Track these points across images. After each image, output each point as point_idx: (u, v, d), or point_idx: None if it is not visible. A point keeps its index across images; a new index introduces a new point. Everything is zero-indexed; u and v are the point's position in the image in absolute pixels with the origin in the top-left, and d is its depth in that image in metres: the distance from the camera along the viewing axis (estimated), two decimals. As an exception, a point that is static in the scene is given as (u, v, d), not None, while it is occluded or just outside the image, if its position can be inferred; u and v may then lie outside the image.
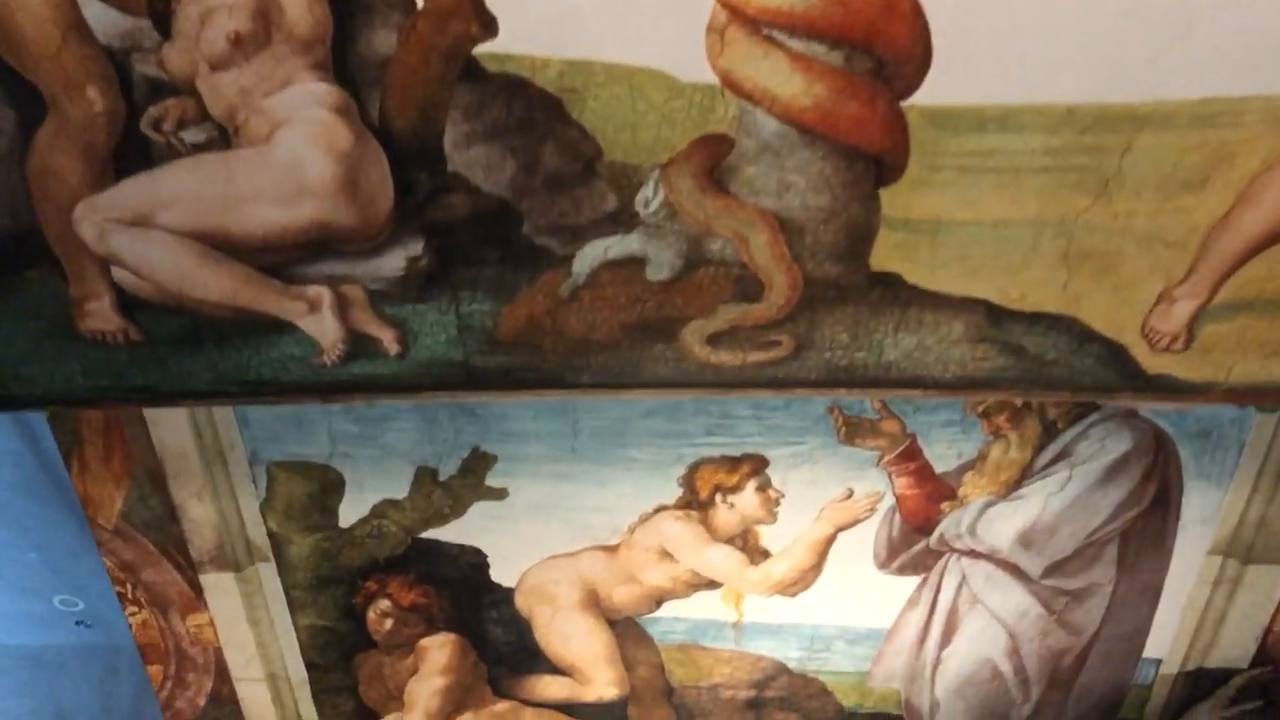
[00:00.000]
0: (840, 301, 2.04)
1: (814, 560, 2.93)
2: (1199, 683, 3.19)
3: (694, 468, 2.79)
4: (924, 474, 2.80)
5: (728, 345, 2.11)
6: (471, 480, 2.81)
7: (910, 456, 2.76)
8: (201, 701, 3.24)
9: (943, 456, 2.77)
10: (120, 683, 4.30)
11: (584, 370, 2.16)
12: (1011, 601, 3.00)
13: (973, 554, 2.93)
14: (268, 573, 2.98)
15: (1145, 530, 2.88)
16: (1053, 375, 2.15)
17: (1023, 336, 2.09)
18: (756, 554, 2.93)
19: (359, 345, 2.13)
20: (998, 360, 2.14)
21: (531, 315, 2.06)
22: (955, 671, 3.15)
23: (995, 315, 2.07)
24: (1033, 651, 3.10)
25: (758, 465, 2.78)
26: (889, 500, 2.84)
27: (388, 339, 2.11)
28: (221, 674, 3.17)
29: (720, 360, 2.13)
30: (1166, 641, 3.09)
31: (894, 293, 2.03)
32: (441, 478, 2.81)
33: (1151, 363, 2.13)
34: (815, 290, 2.03)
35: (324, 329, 2.08)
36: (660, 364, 2.14)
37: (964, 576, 2.98)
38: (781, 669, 3.16)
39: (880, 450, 2.76)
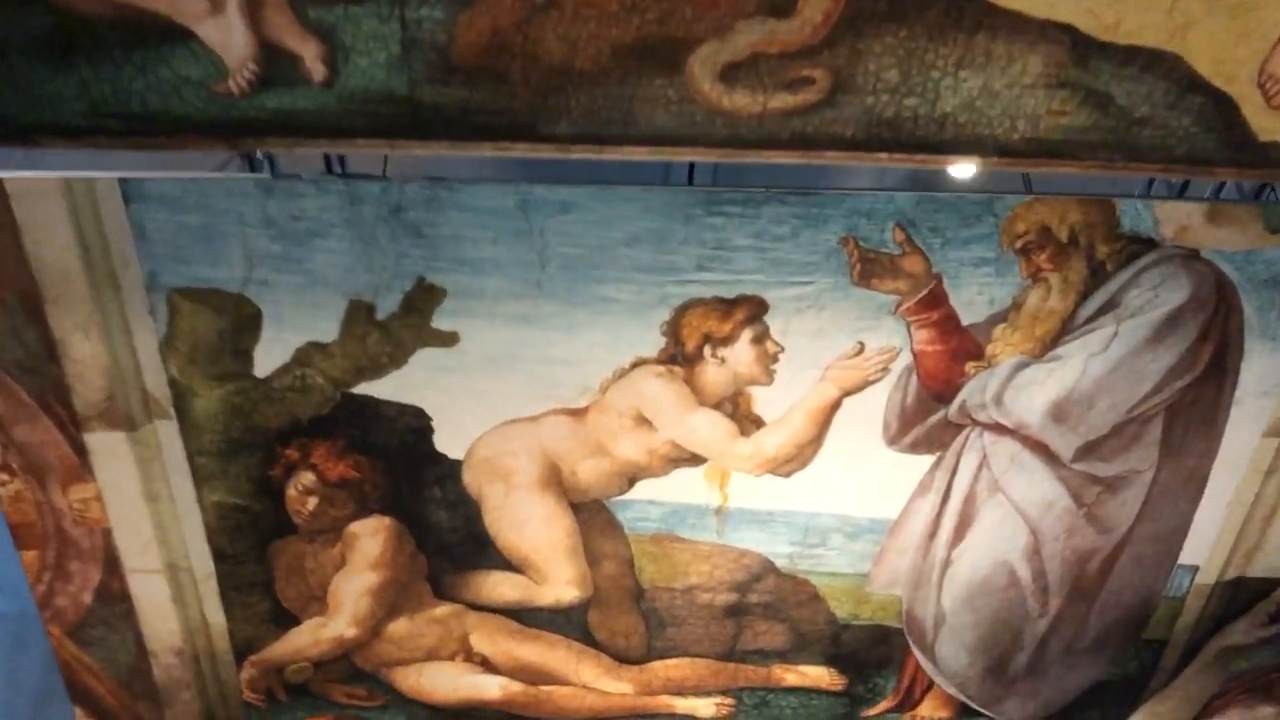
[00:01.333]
0: (892, 21, 1.57)
1: (814, 432, 2.44)
2: (1237, 595, 2.75)
3: (680, 312, 2.30)
4: (948, 326, 2.33)
5: (746, 83, 1.63)
6: (415, 320, 2.30)
7: (934, 303, 2.29)
8: (87, 598, 2.67)
9: (972, 304, 2.31)
10: (28, 655, 3.70)
11: (562, 115, 1.66)
12: (1037, 490, 2.54)
13: (997, 429, 2.46)
14: (168, 433, 2.43)
15: (1195, 404, 2.44)
16: (1141, 140, 1.69)
17: (1111, 81, 1.64)
18: (748, 422, 2.44)
19: (275, 67, 1.63)
20: (1078, 116, 1.68)
21: (497, 28, 1.57)
22: (967, 576, 2.67)
23: (1081, 49, 1.61)
24: (1055, 553, 2.63)
25: (755, 310, 2.29)
26: (905, 359, 2.37)
27: (311, 56, 1.60)
28: (111, 564, 2.62)
29: (735, 105, 1.65)
30: (1206, 545, 2.65)
31: (960, 10, 1.56)
32: (379, 315, 2.29)
33: (1263, 125, 1.68)
34: (861, 4, 1.55)
35: (229, 38, 1.57)
36: (659, 108, 1.65)
37: (985, 457, 2.51)
38: (769, 568, 2.67)
39: (899, 295, 2.29)
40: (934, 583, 2.67)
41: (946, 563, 2.64)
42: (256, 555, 2.62)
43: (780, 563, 2.65)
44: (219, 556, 2.61)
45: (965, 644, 2.77)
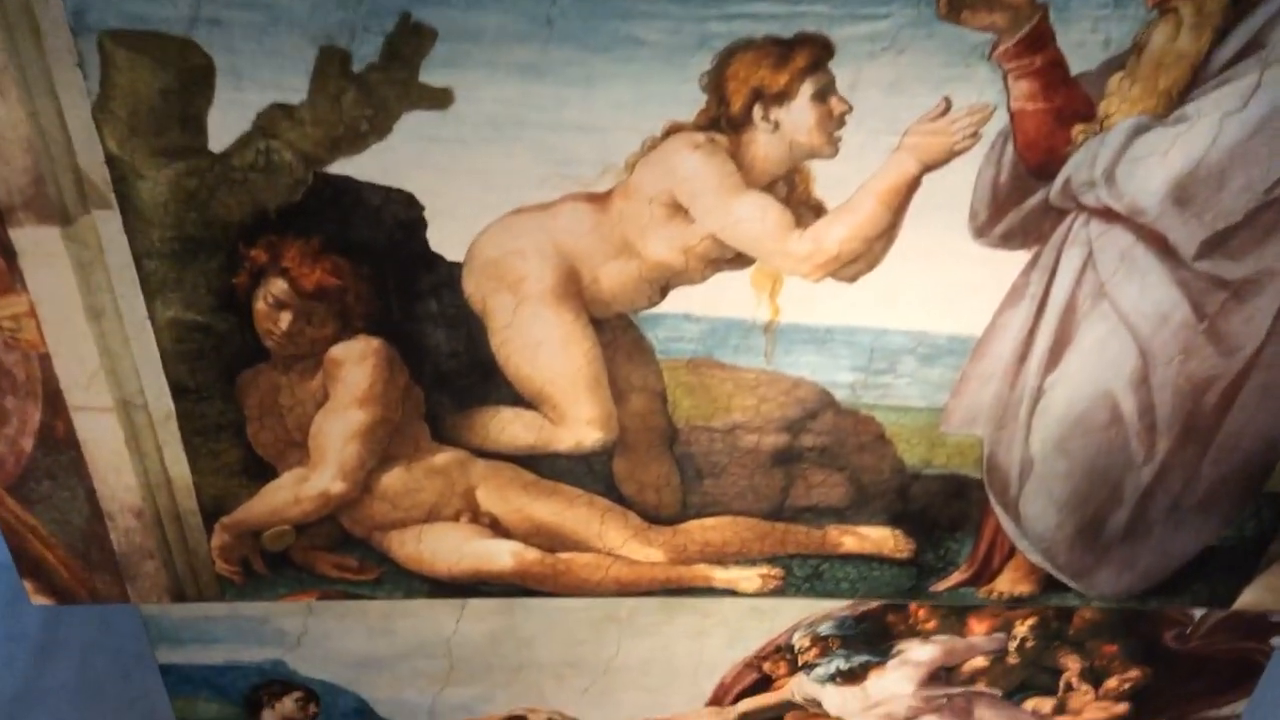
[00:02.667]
0: None
1: (886, 220, 1.95)
2: (1381, 437, 2.26)
3: (725, 59, 1.81)
4: (1054, 75, 1.84)
5: None
6: (399, 73, 1.81)
7: (1037, 44, 1.80)
8: (27, 444, 2.21)
9: (1083, 46, 1.81)
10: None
11: None
12: (1150, 298, 2.05)
13: (1107, 215, 1.97)
14: (110, 229, 1.96)
15: (1350, 183, 1.95)
16: None
17: None
18: (805, 209, 1.96)
19: None
20: None
21: None
22: (1061, 411, 2.18)
23: None
24: (1167, 381, 2.14)
25: (817, 55, 1.80)
26: (999, 121, 1.88)
27: None
28: (53, 400, 2.15)
29: None
30: (1347, 371, 2.16)
31: None
32: (356, 66, 1.81)
33: None
34: None
35: None
36: None
37: (1090, 254, 2.02)
38: (826, 401, 2.18)
39: (996, 33, 1.80)
40: (1022, 420, 2.19)
41: (1038, 394, 2.16)
42: (223, 389, 2.15)
43: (840, 394, 2.16)
44: (179, 391, 2.15)
45: (1055, 499, 2.29)
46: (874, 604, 2.89)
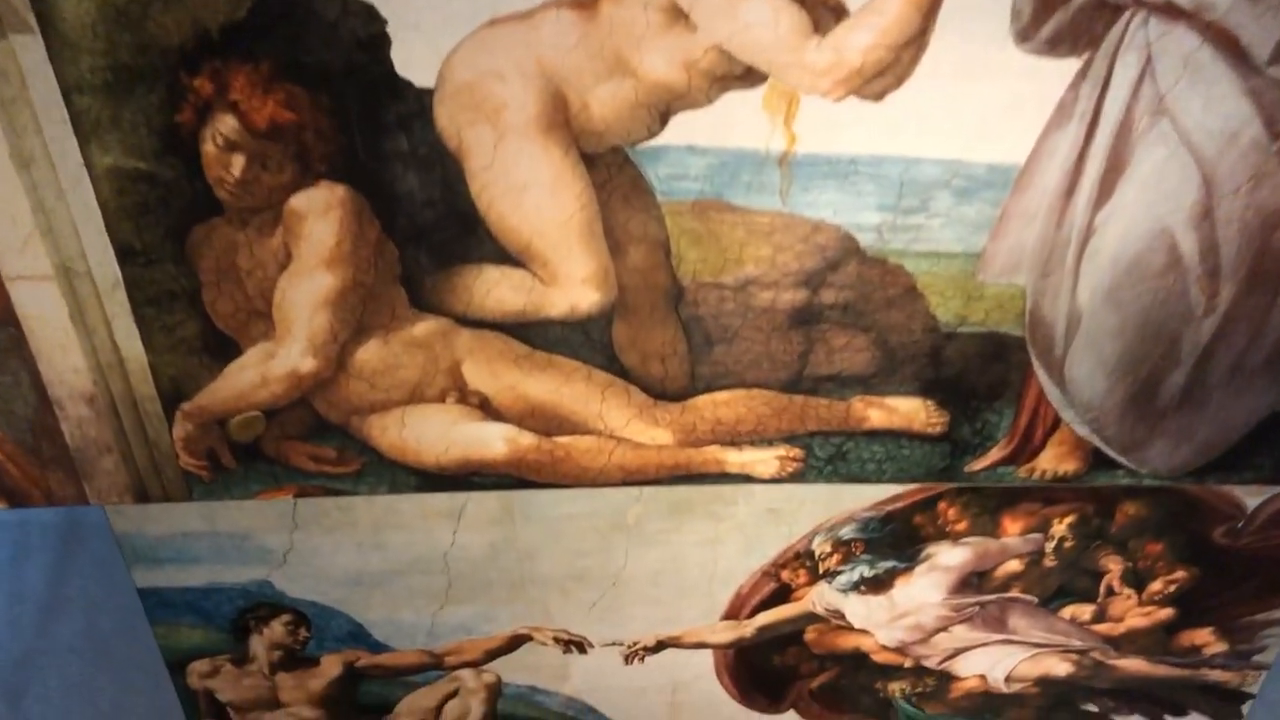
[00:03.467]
0: None
1: (916, 23, 1.67)
2: None
3: None
4: None
5: None
6: None
7: None
8: (-39, 319, 1.95)
9: None
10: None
11: None
12: (1217, 111, 1.76)
13: (1169, 11, 1.69)
14: (32, 57, 1.69)
15: None
16: None
17: None
18: (824, 10, 1.68)
19: None
20: None
21: None
22: (1113, 252, 1.90)
23: None
24: (1234, 215, 1.86)
25: None
26: (1046, -105, 1.59)
27: None
28: (-14, 268, 1.89)
29: None
30: None
31: None
32: None
33: None
34: None
35: None
36: None
37: (1149, 61, 1.73)
38: (849, 248, 1.90)
39: None
40: (1069, 265, 1.91)
41: (1087, 233, 1.88)
42: (173, 250, 1.88)
43: (865, 239, 1.89)
44: (125, 254, 1.88)
45: (1104, 359, 2.01)
46: (900, 504, 2.63)
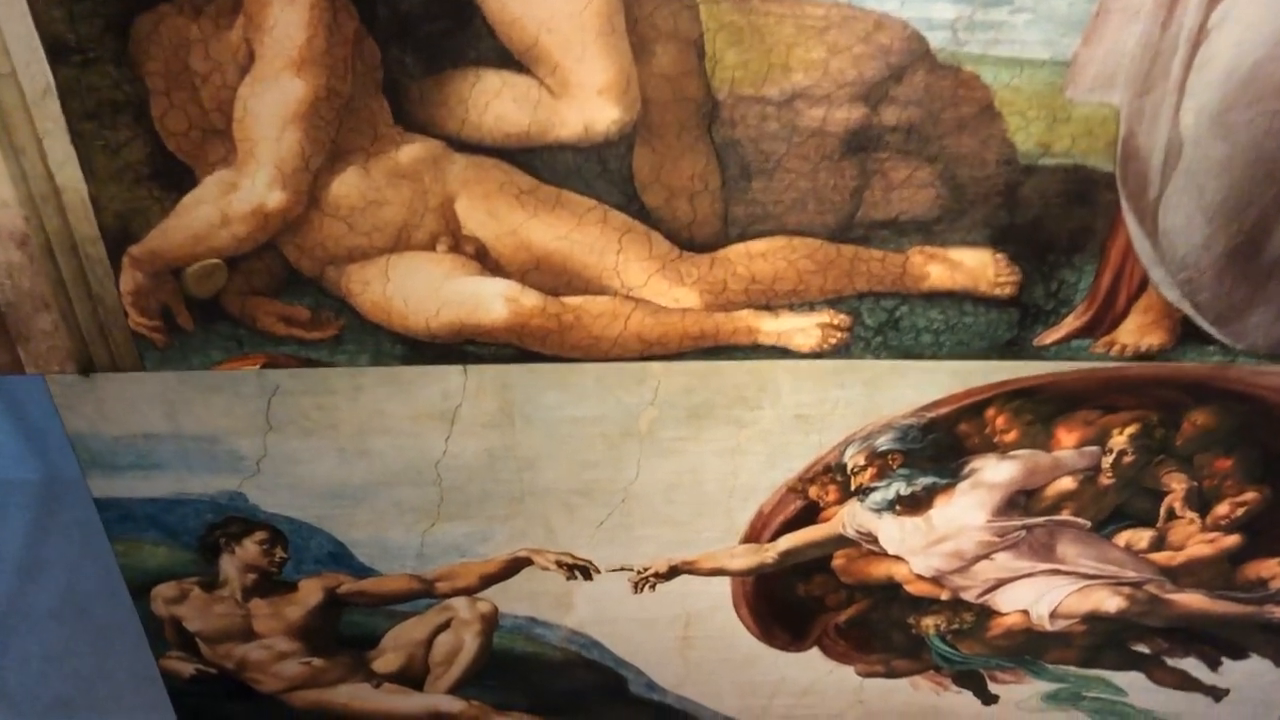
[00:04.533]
0: None
1: None
2: None
3: None
4: None
5: None
6: None
7: None
8: None
9: None
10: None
11: None
12: None
13: None
14: None
15: None
16: None
17: None
18: None
19: None
20: None
21: None
22: (1228, 61, 1.56)
23: None
24: None
25: None
26: None
27: None
28: (-109, 67, 1.55)
29: None
30: None
31: None
32: None
33: None
34: None
35: None
36: None
37: None
38: (917, 50, 1.55)
39: None
40: (1174, 79, 1.57)
41: (1198, 37, 1.54)
42: (115, 46, 1.53)
43: (937, 40, 1.54)
44: (57, 50, 1.54)
45: (1206, 202, 1.67)
46: (943, 410, 2.29)
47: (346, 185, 1.61)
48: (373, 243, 1.67)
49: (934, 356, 1.90)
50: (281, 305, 1.73)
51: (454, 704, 2.81)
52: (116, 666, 3.18)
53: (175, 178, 1.62)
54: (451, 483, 2.38)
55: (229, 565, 2.51)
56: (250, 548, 2.49)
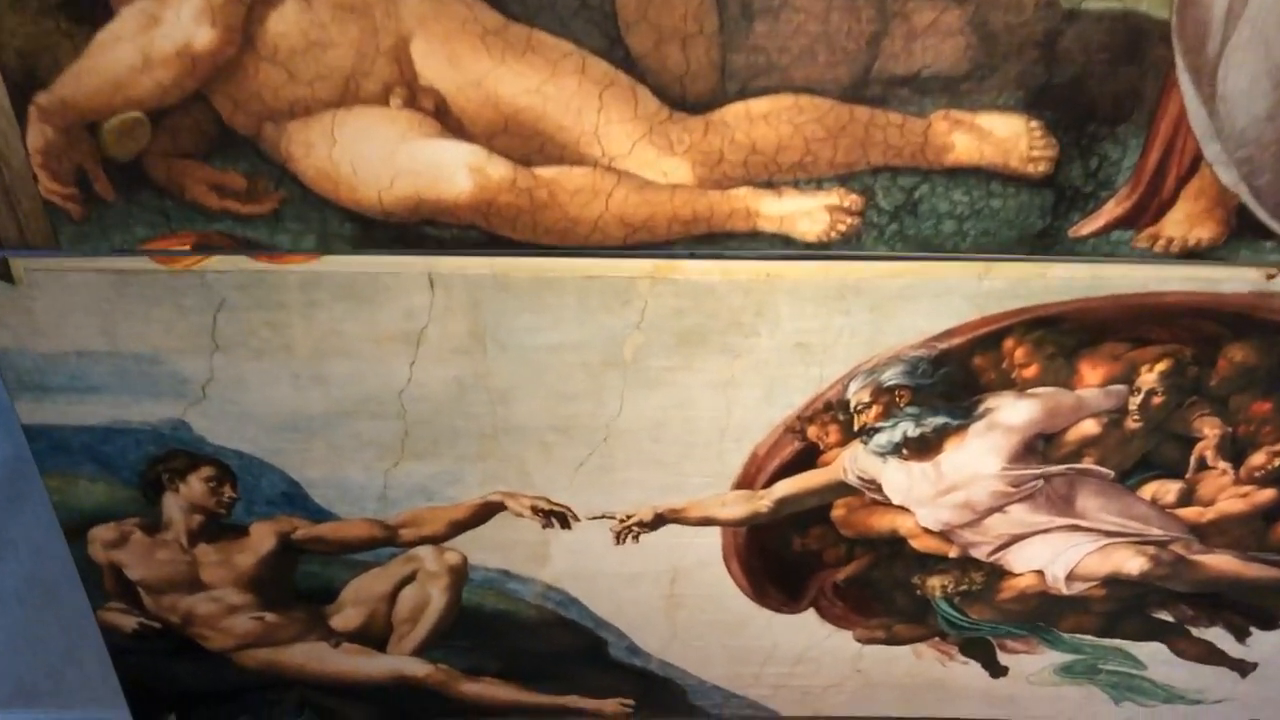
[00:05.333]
0: None
1: None
2: None
3: None
4: None
5: None
6: None
7: None
8: None
9: None
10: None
11: None
12: None
13: None
14: None
15: None
16: None
17: None
18: None
19: None
20: None
21: None
22: None
23: None
24: None
25: None
26: None
27: None
28: None
29: None
30: None
31: None
32: None
33: None
34: None
35: None
36: None
37: None
38: None
39: None
40: None
41: None
42: None
43: None
44: None
45: (1271, 64, 1.42)
46: (957, 340, 2.04)
47: (286, 23, 1.36)
48: (316, 94, 1.41)
49: (955, 250, 1.64)
50: (213, 171, 1.47)
51: (419, 667, 2.53)
52: (88, 651, 2.90)
53: (88, 8, 1.36)
54: (417, 416, 2.12)
55: (173, 505, 2.24)
56: (196, 485, 2.22)
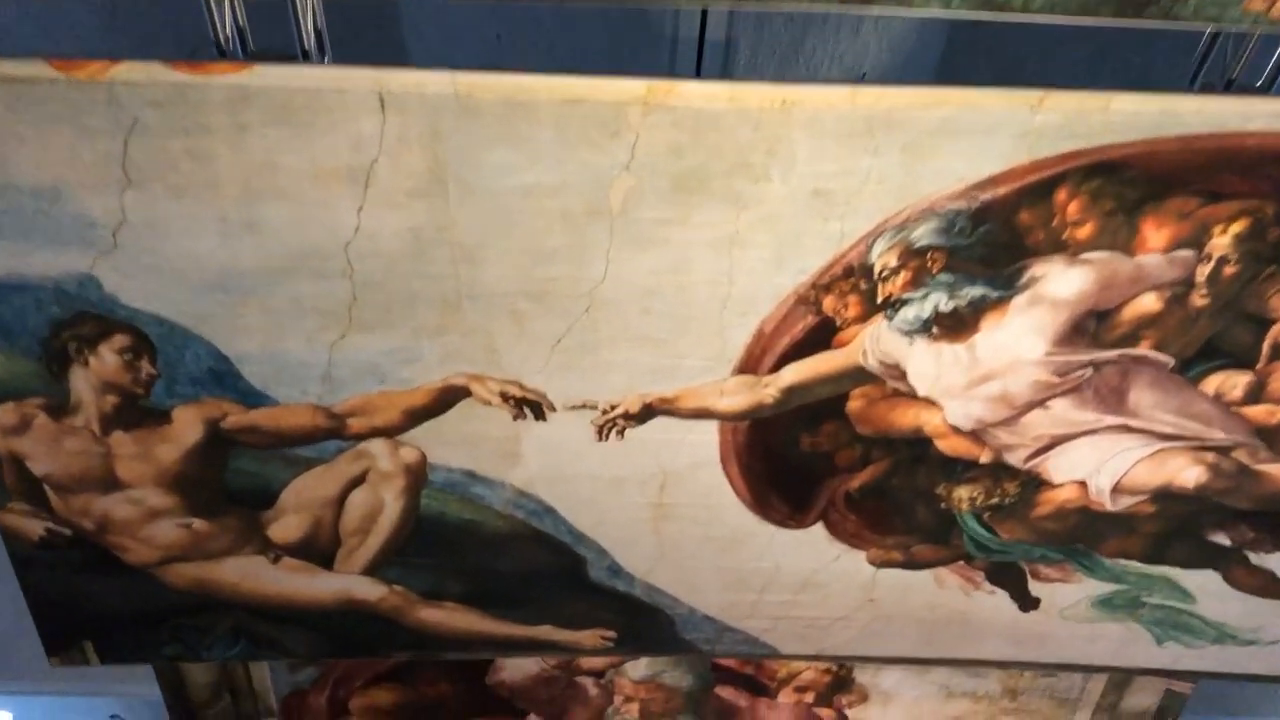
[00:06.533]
0: None
1: None
2: None
3: None
4: None
5: None
6: None
7: None
8: None
9: None
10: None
11: None
12: None
13: None
14: None
15: None
16: None
17: None
18: None
19: None
20: None
21: None
22: None
23: None
24: None
25: None
26: None
27: None
28: None
29: None
30: None
31: None
32: None
33: None
34: None
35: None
36: None
37: None
38: None
39: None
40: None
41: None
42: None
43: None
44: None
45: None
46: (1002, 190, 1.69)
47: None
48: None
49: (1024, 9, 1.27)
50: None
51: (372, 588, 2.14)
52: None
53: None
54: (367, 275, 1.75)
55: (82, 383, 1.85)
56: (109, 358, 1.84)
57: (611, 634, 2.21)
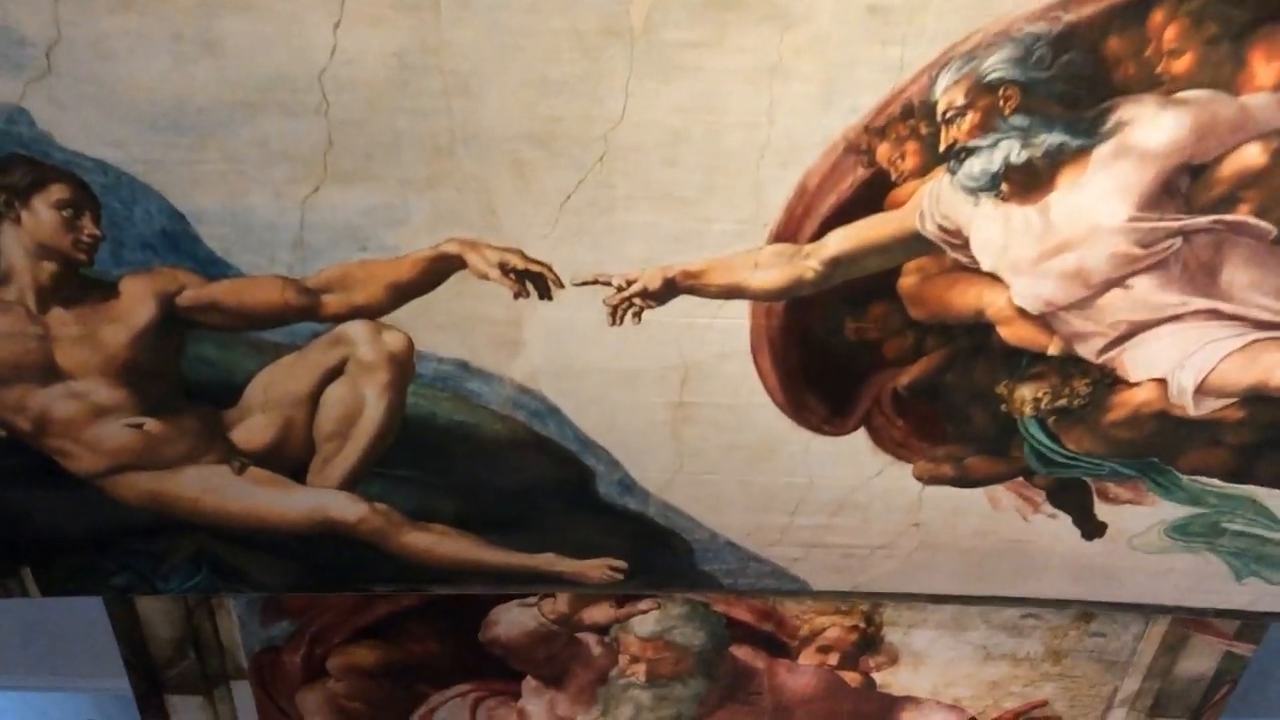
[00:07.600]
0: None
1: None
2: None
3: None
4: None
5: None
6: None
7: None
8: None
9: None
10: None
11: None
12: None
13: None
14: None
15: None
16: None
17: None
18: None
19: None
20: None
21: None
22: None
23: None
24: None
25: None
26: None
27: None
28: None
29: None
30: None
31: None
32: None
33: None
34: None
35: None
36: None
37: None
38: None
39: None
40: None
41: None
42: None
43: None
44: None
45: None
46: (1088, 8, 1.38)
47: None
48: None
49: None
50: None
51: (350, 506, 1.81)
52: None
53: None
54: (345, 111, 1.43)
55: (14, 244, 1.54)
56: (44, 214, 1.52)
57: (621, 564, 1.87)
